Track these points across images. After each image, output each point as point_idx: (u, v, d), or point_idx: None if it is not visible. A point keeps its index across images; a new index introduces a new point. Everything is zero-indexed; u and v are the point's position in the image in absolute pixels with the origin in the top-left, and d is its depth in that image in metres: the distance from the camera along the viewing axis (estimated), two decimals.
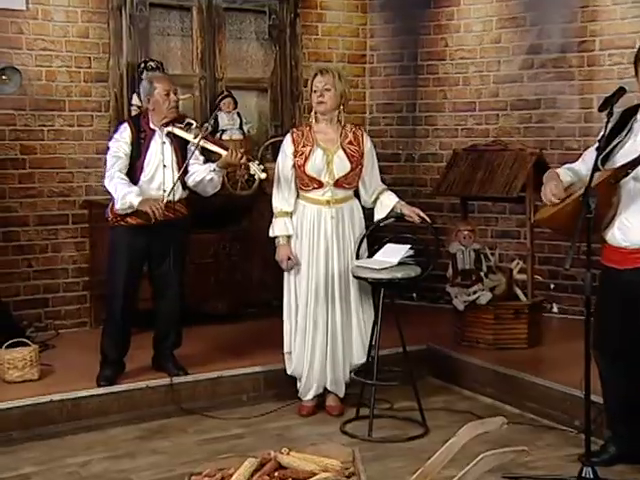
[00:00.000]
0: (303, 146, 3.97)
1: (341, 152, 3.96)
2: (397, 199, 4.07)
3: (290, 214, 4.01)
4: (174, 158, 4.11)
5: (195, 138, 4.04)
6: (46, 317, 5.26)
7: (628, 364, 3.29)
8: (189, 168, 4.14)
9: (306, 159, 3.93)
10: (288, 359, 4.09)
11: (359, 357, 4.07)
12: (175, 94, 4.17)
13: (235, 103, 5.58)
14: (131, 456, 3.66)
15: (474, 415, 3.97)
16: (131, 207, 3.92)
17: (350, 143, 3.99)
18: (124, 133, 4.10)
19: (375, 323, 3.91)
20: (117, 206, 3.97)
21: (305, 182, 3.96)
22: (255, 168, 3.93)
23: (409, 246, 3.99)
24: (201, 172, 4.10)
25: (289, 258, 3.98)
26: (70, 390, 4.02)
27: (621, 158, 3.18)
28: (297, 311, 4.03)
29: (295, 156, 3.97)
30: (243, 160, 3.95)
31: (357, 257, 4.03)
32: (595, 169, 3.10)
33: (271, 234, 4.04)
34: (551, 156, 5.30)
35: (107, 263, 4.24)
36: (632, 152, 3.15)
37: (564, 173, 3.37)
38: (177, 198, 4.11)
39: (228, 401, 4.27)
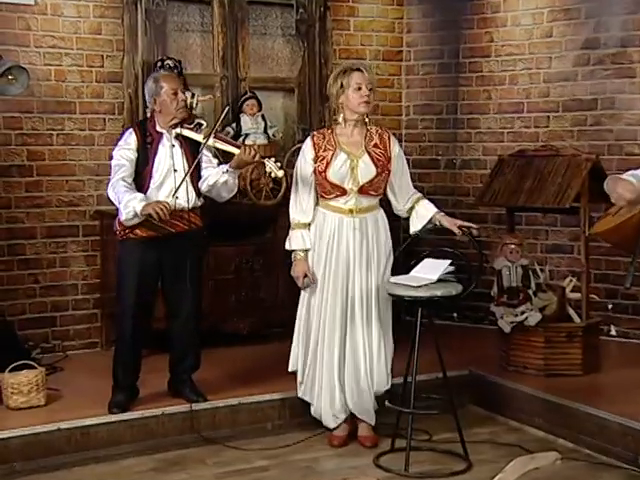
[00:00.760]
0: (324, 150, 3.98)
1: (366, 156, 3.96)
2: (435, 209, 4.07)
3: (308, 225, 4.02)
4: (185, 162, 4.14)
5: (205, 138, 4.08)
6: (54, 337, 5.31)
7: None
8: (202, 173, 4.18)
9: (328, 164, 3.94)
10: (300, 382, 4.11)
11: (382, 383, 4.07)
12: (183, 93, 4.21)
13: (259, 105, 5.62)
14: None
15: (523, 449, 3.93)
16: (136, 215, 3.94)
17: (375, 146, 3.99)
18: (129, 139, 4.14)
19: (412, 345, 3.90)
20: (121, 216, 4.00)
21: (327, 189, 3.97)
22: (271, 166, 3.95)
23: (449, 261, 3.98)
24: (214, 175, 4.13)
25: (306, 275, 3.99)
26: (79, 417, 4.05)
27: None
28: (309, 328, 4.03)
29: (316, 162, 3.98)
30: (257, 157, 3.98)
31: (389, 273, 4.03)
32: None
33: (287, 247, 4.06)
34: (609, 162, 5.28)
35: (116, 280, 4.28)
36: None
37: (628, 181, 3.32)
38: (190, 206, 4.14)
39: (251, 430, 4.28)
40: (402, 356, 4.05)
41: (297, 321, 4.09)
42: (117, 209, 4.08)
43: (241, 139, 5.39)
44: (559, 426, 4.20)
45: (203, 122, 4.23)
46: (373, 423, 4.11)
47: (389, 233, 4.08)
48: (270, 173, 3.97)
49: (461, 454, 3.91)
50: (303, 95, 5.97)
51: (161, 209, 3.87)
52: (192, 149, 4.16)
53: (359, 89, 3.91)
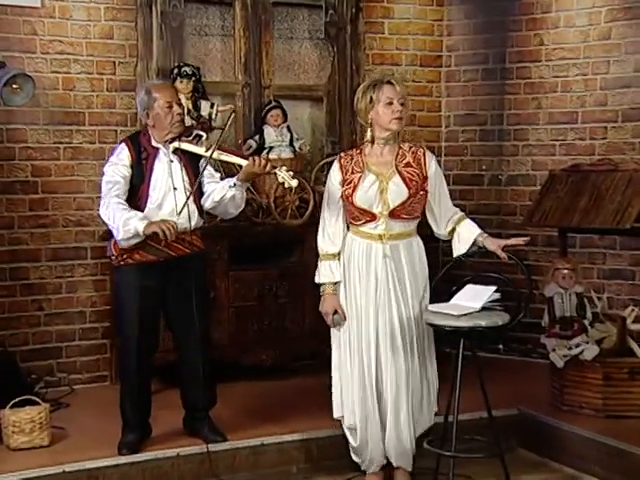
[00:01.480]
0: (352, 173, 3.97)
1: (397, 177, 3.94)
2: (479, 230, 4.04)
3: (338, 256, 4.02)
4: (185, 178, 4.13)
5: (207, 151, 4.07)
6: (59, 370, 5.34)
7: None
8: (204, 188, 4.17)
9: (355, 188, 3.94)
10: (350, 431, 4.06)
11: (425, 422, 4.04)
12: (179, 105, 4.19)
13: (284, 115, 5.65)
14: None
15: None
16: (137, 234, 3.92)
17: (408, 165, 3.97)
18: (121, 154, 4.12)
19: (454, 381, 3.86)
20: (119, 237, 3.97)
21: (355, 215, 3.97)
22: (283, 175, 3.93)
23: (495, 288, 3.95)
24: (219, 190, 4.12)
25: (336, 311, 3.98)
26: (86, 459, 4.05)
27: None
28: (345, 367, 4.02)
29: (343, 185, 3.98)
30: (268, 168, 3.96)
31: (427, 300, 4.01)
32: None
33: (316, 280, 4.06)
34: None
35: (115, 311, 4.28)
36: None
37: None
38: (193, 227, 4.14)
39: (274, 473, 4.26)
40: (443, 393, 4.02)
41: (333, 360, 4.07)
42: (110, 232, 4.05)
43: (264, 153, 5.41)
44: (620, 474, 4.14)
45: (202, 133, 4.20)
46: (410, 469, 4.07)
47: (425, 260, 4.06)
48: (283, 183, 3.96)
49: None
50: (332, 104, 5.99)
51: (168, 228, 3.86)
52: (193, 163, 4.16)
53: (390, 104, 3.90)
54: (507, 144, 6.12)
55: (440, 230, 4.08)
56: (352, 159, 4.01)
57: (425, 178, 3.98)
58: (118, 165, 4.09)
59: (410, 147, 4.02)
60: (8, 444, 4.23)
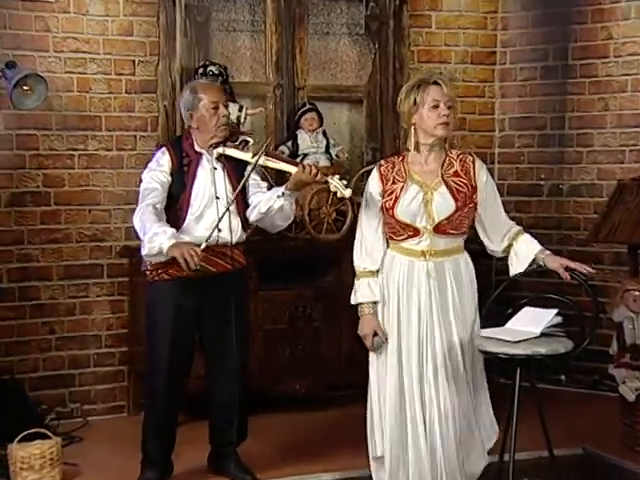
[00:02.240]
0: (393, 183, 3.96)
1: (443, 187, 3.92)
2: (539, 247, 4.01)
3: (376, 273, 4.00)
4: (229, 187, 4.16)
5: (254, 157, 4.09)
6: (71, 400, 5.37)
7: None
8: (250, 199, 4.19)
9: (396, 200, 3.92)
10: (376, 466, 4.02)
11: (478, 462, 3.98)
12: (226, 107, 4.23)
13: (320, 119, 5.67)
14: None
15: None
16: (160, 252, 3.92)
17: (456, 174, 3.95)
18: (161, 160, 4.18)
19: (510, 415, 3.82)
20: (143, 252, 3.99)
21: (395, 230, 3.95)
22: (336, 184, 3.94)
23: (556, 311, 3.92)
24: (266, 201, 4.14)
25: (376, 333, 3.95)
26: None
27: None
28: (384, 398, 3.98)
29: (383, 196, 3.97)
30: (319, 176, 3.98)
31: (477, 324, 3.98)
32: None
33: (353, 301, 4.03)
34: None
35: (146, 330, 4.31)
36: None
37: None
38: (235, 241, 4.15)
39: None
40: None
41: (370, 394, 4.03)
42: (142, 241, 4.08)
43: (298, 160, 5.41)
44: None
45: (249, 138, 4.25)
46: None
47: (475, 280, 4.03)
48: (335, 193, 3.97)
49: None
50: (373, 107, 5.99)
51: (191, 256, 3.80)
52: (238, 171, 4.19)
53: (436, 107, 3.88)
54: (569, 150, 6.08)
55: (494, 247, 4.05)
56: (393, 167, 3.99)
57: (474, 189, 3.95)
58: (156, 171, 4.14)
59: (458, 154, 4.00)
60: None
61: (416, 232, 3.91)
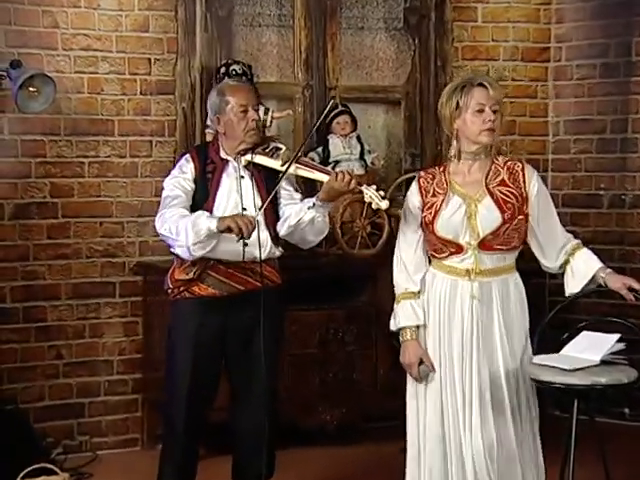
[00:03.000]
0: (433, 195, 3.94)
1: (488, 199, 3.90)
2: (599, 264, 3.96)
3: (418, 294, 3.99)
4: (257, 198, 4.16)
5: (284, 165, 4.09)
6: (80, 432, 5.39)
7: None
8: (281, 211, 4.19)
9: (436, 214, 3.91)
10: None
11: None
12: (256, 110, 4.24)
13: (354, 123, 5.68)
14: None
15: None
16: (209, 234, 3.90)
17: (503, 184, 3.92)
18: (185, 167, 4.19)
19: (566, 453, 3.79)
20: (190, 242, 3.94)
21: (437, 247, 3.93)
22: (372, 194, 3.91)
23: (618, 336, 3.89)
24: (296, 213, 4.12)
25: (422, 361, 3.94)
26: None
27: None
28: (425, 432, 3.97)
29: (423, 210, 3.96)
30: (353, 184, 3.95)
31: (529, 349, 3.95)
32: None
33: (393, 326, 4.01)
34: None
35: (166, 354, 4.31)
36: None
37: None
38: (265, 256, 4.15)
39: None
40: (551, 467, 3.92)
41: (408, 424, 4.02)
42: (171, 262, 4.11)
43: (330, 167, 5.41)
44: None
45: (282, 145, 4.23)
46: None
47: (525, 302, 3.99)
48: (370, 204, 3.96)
49: None
50: (412, 109, 6.00)
51: (246, 224, 3.83)
52: (267, 181, 4.18)
53: (481, 111, 3.86)
54: (633, 156, 6.06)
55: (549, 263, 4.01)
56: (434, 178, 3.98)
57: (525, 199, 3.92)
58: (179, 178, 4.16)
59: (506, 161, 3.97)
60: None
61: (459, 249, 3.89)
